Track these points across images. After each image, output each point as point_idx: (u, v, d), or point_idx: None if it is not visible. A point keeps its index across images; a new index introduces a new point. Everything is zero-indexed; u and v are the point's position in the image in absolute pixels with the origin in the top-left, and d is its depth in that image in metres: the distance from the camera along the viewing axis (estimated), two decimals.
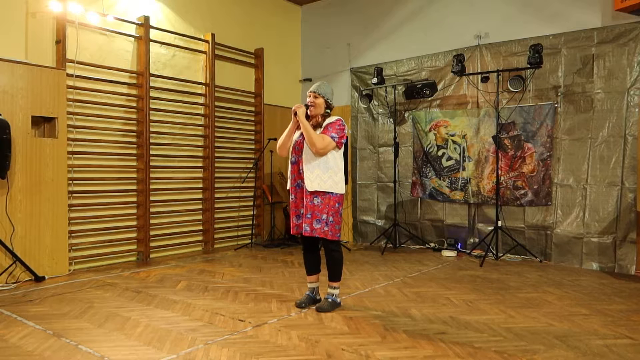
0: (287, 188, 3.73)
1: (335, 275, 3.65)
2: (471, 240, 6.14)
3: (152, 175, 5.73)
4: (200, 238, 6.39)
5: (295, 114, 3.54)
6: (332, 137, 3.49)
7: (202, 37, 6.37)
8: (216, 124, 6.47)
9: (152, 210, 5.72)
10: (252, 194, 6.96)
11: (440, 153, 6.34)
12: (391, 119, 6.72)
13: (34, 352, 2.82)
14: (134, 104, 5.62)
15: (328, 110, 3.64)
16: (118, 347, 2.88)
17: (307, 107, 3.58)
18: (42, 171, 4.66)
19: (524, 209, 5.71)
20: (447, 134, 6.28)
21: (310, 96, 3.61)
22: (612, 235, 5.11)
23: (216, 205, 6.49)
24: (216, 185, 6.50)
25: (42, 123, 4.79)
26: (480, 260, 5.43)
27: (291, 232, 3.69)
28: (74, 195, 5.06)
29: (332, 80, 7.36)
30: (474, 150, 6.07)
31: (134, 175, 5.62)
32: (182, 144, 6.14)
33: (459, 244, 6.13)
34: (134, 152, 5.62)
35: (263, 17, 7.27)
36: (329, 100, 3.63)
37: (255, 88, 7.11)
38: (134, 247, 5.64)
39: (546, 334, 3.11)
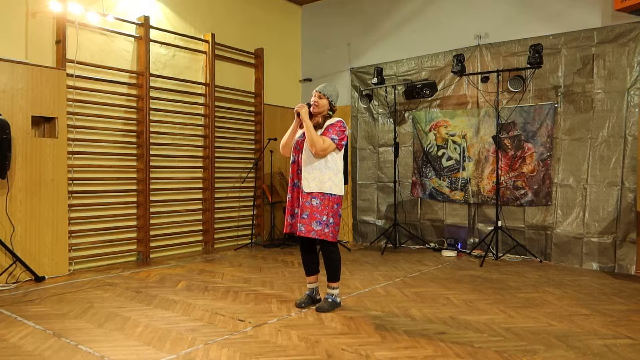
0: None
1: (334, 276, 3.65)
2: (471, 240, 6.14)
3: (152, 175, 5.73)
4: (200, 238, 6.39)
5: (299, 114, 3.53)
6: (332, 139, 3.48)
7: (202, 37, 6.37)
8: (216, 124, 6.47)
9: (152, 210, 5.72)
10: (252, 194, 6.96)
11: (440, 153, 6.34)
12: (391, 119, 6.72)
13: (34, 352, 2.82)
14: (134, 104, 5.62)
15: (330, 112, 3.63)
16: (118, 347, 2.88)
17: (309, 105, 3.56)
18: (42, 171, 4.66)
19: (524, 209, 5.71)
20: (447, 134, 6.28)
21: (315, 95, 3.59)
22: (612, 235, 5.11)
23: (216, 205, 6.49)
24: (216, 185, 6.50)
25: (42, 123, 4.79)
26: (480, 260, 5.43)
27: (284, 231, 3.68)
28: (74, 195, 5.06)
29: (332, 80, 7.35)
30: (474, 150, 6.07)
31: (134, 175, 5.62)
32: (182, 144, 6.14)
33: (459, 244, 6.13)
34: (134, 152, 5.62)
35: (263, 17, 7.27)
36: (332, 103, 3.61)
37: (255, 88, 7.11)
38: (134, 247, 5.64)
39: (546, 334, 3.11)
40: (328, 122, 3.58)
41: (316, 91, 3.60)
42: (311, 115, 3.55)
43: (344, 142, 3.56)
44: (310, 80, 7.69)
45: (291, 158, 3.65)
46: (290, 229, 3.61)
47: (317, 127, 3.56)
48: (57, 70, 4.82)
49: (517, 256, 5.67)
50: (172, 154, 6.02)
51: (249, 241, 6.82)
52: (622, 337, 3.07)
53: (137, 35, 5.63)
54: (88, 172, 5.22)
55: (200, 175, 6.38)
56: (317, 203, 3.46)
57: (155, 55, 5.81)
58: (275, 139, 6.71)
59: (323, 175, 3.48)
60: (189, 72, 6.24)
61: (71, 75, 5.00)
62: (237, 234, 6.82)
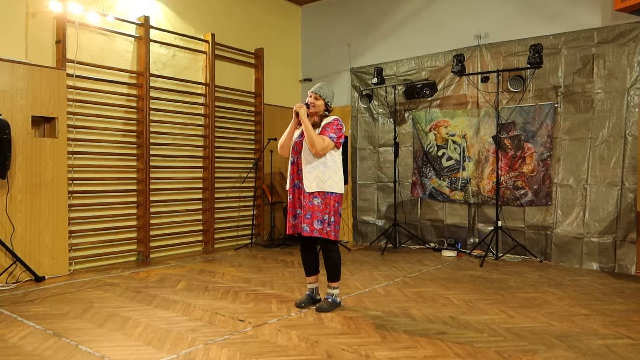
0: (287, 188, 3.72)
1: (334, 276, 3.65)
2: (471, 240, 6.14)
3: (152, 175, 5.73)
4: (200, 238, 6.39)
5: (297, 114, 3.54)
6: (330, 138, 3.50)
7: (202, 37, 6.37)
8: (216, 124, 6.47)
9: (152, 210, 5.72)
10: (252, 194, 6.96)
11: (440, 153, 6.34)
12: (391, 119, 6.72)
13: (34, 352, 2.82)
14: (134, 104, 5.62)
15: (327, 113, 3.64)
16: (118, 347, 2.88)
17: (307, 106, 3.57)
18: (42, 171, 4.66)
19: (524, 209, 5.71)
20: (447, 134, 6.28)
21: (310, 96, 3.61)
22: (612, 235, 5.11)
23: (216, 205, 6.49)
24: (216, 185, 6.50)
25: (42, 123, 4.79)
26: (480, 260, 5.43)
27: (287, 232, 3.68)
28: (74, 195, 5.06)
29: (332, 80, 7.36)
30: (474, 150, 6.07)
31: (134, 175, 5.62)
32: (182, 144, 6.14)
33: (459, 244, 6.13)
34: (134, 152, 5.62)
35: (263, 17, 7.27)
36: (328, 103, 3.63)
37: (255, 88, 7.11)
38: (134, 247, 5.64)
39: (546, 334, 3.11)
40: (325, 121, 3.59)
41: (312, 92, 3.62)
42: (308, 117, 3.56)
43: (341, 140, 3.58)
44: (310, 80, 7.69)
45: (290, 159, 3.65)
46: (293, 230, 3.61)
47: (314, 126, 3.57)
48: (57, 70, 4.82)
49: (517, 256, 5.67)
50: (172, 154, 6.02)
51: (249, 241, 6.82)
52: (622, 337, 3.07)
53: (137, 35, 5.63)
54: (88, 172, 5.22)
55: (200, 175, 6.38)
56: (318, 202, 3.47)
57: (155, 55, 5.81)
58: (275, 139, 6.70)
59: (324, 175, 3.49)
60: (189, 72, 6.24)
61: (71, 75, 5.00)
62: (237, 234, 6.82)
